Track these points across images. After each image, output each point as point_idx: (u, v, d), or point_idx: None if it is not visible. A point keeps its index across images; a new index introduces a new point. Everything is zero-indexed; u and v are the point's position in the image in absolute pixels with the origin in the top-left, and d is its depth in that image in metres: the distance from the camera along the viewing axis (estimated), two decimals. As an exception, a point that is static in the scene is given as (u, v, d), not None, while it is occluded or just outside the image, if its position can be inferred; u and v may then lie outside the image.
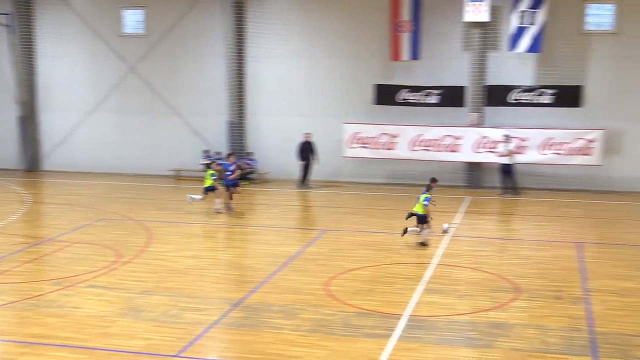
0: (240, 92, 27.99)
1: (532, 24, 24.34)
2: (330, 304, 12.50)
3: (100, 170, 29.75)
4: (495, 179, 25.12)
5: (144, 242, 17.24)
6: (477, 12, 24.57)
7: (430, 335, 11.01)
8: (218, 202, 21.06)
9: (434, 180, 18.07)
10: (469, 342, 10.87)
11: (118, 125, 29.78)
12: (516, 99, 25.14)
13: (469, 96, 25.61)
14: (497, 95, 25.36)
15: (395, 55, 25.83)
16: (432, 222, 17.02)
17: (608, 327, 11.32)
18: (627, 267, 15.18)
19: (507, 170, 24.50)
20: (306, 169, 25.99)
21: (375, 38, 26.39)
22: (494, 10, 24.96)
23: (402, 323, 11.52)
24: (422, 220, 16.83)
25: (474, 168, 25.94)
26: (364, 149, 26.56)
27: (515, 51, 24.76)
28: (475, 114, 25.55)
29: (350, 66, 26.97)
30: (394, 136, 26.20)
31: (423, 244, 16.78)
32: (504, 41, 25.16)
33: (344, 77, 27.08)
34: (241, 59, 27.82)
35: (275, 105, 27.94)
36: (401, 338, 10.88)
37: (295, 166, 26.23)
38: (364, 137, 26.46)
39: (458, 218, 20.23)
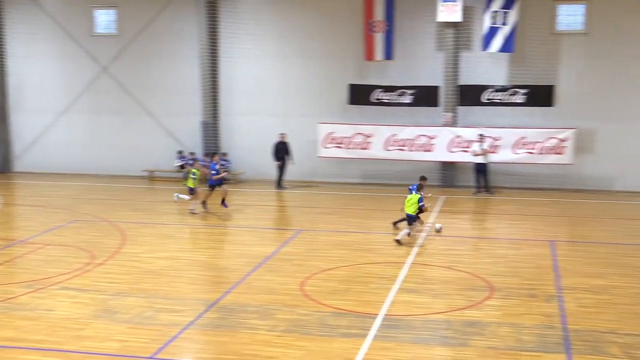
0: (214, 92, 27.88)
1: (504, 24, 24.53)
2: (305, 304, 12.50)
3: (73, 171, 29.46)
4: (469, 178, 25.28)
5: (118, 244, 17.11)
6: (450, 13, 24.71)
7: (405, 334, 11.05)
8: (193, 203, 20.98)
9: (423, 178, 18.54)
10: (445, 340, 10.93)
11: (91, 126, 29.53)
12: (489, 99, 25.32)
13: (443, 96, 25.74)
14: (470, 95, 25.53)
15: (369, 55, 25.89)
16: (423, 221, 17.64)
17: (581, 324, 11.44)
18: (598, 264, 15.35)
19: (481, 169, 24.67)
20: (282, 169, 25.95)
21: (349, 38, 26.42)
22: (467, 11, 25.13)
23: (377, 322, 11.54)
24: (412, 220, 17.08)
25: (448, 167, 26.08)
26: (339, 149, 26.58)
27: (488, 51, 24.94)
28: (449, 114, 25.70)
29: (324, 66, 26.99)
30: (368, 136, 26.26)
31: (399, 242, 16.87)
32: (477, 41, 25.33)
33: (318, 77, 27.09)
34: (215, 59, 27.71)
35: (249, 106, 27.87)
36: (377, 337, 10.90)
37: (269, 166, 26.19)
38: (339, 137, 26.49)
39: (432, 217, 20.31)
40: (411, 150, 25.92)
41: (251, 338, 10.85)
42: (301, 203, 23.68)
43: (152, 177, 28.33)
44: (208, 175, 21.35)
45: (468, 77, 25.61)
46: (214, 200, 21.22)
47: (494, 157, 24.80)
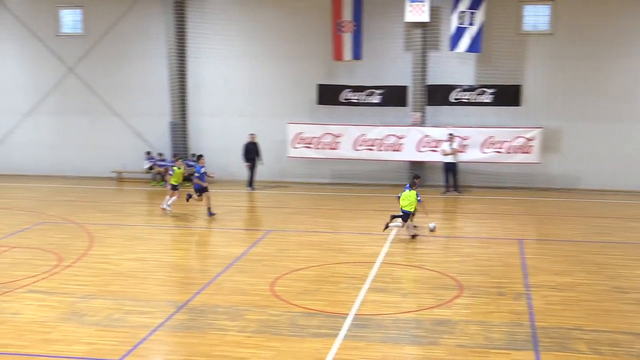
0: (182, 92, 27.72)
1: (471, 24, 24.72)
2: (276, 305, 12.49)
3: (40, 172, 29.11)
4: (438, 178, 25.42)
5: (86, 246, 16.95)
6: (418, 13, 24.84)
7: (375, 333, 11.10)
8: (166, 200, 20.87)
9: (417, 177, 18.82)
10: (414, 339, 10.99)
11: (58, 127, 29.19)
12: (457, 99, 25.49)
13: (411, 96, 25.87)
14: (438, 95, 25.67)
15: (338, 55, 25.92)
16: (416, 221, 18.00)
17: (548, 322, 11.58)
18: (565, 262, 15.54)
19: (450, 168, 24.85)
20: (252, 170, 25.85)
21: (317, 38, 26.43)
22: (434, 11, 25.28)
23: (347, 322, 11.58)
24: (407, 217, 17.45)
25: (416, 167, 26.21)
26: (308, 149, 26.57)
27: (456, 51, 25.10)
28: (418, 113, 25.83)
29: (293, 66, 26.96)
30: (337, 136, 26.29)
31: (414, 236, 17.56)
32: (445, 41, 25.48)
33: (287, 77, 27.06)
34: (182, 59, 27.55)
35: (218, 106, 27.76)
36: (347, 337, 10.94)
37: (238, 167, 26.09)
38: (308, 137, 26.49)
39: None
40: (380, 150, 26.02)
41: (221, 339, 10.82)
42: (271, 203, 23.66)
43: (120, 178, 28.10)
44: (186, 175, 21.30)
45: (436, 77, 25.76)
46: (181, 202, 21.11)
47: (462, 157, 24.98)
